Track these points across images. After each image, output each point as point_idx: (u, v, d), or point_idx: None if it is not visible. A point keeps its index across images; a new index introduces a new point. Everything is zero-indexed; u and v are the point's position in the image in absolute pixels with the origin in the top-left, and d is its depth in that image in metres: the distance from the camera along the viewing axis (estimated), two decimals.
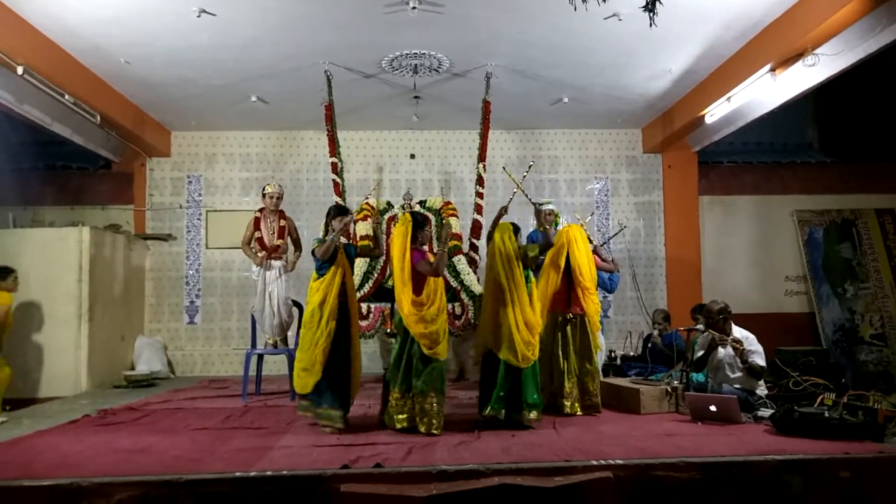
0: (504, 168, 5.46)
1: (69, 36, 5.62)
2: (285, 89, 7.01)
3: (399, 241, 4.58)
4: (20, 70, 5.37)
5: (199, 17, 5.20)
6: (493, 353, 4.68)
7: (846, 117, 8.98)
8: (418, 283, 4.53)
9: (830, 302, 8.54)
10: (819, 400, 4.53)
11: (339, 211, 4.85)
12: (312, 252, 4.67)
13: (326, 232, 4.81)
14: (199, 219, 8.51)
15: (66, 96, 6.07)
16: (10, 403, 5.86)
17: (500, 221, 4.87)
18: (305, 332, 4.57)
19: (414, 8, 5.13)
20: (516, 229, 4.84)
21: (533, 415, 4.62)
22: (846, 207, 8.87)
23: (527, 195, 5.32)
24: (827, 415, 4.16)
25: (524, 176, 5.24)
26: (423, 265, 4.53)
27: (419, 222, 4.66)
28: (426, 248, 4.84)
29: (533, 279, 4.89)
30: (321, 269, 4.63)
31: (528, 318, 4.65)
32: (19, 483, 3.34)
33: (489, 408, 4.61)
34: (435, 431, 4.35)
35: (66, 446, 4.20)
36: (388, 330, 6.33)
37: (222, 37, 5.69)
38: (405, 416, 4.47)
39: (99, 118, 6.73)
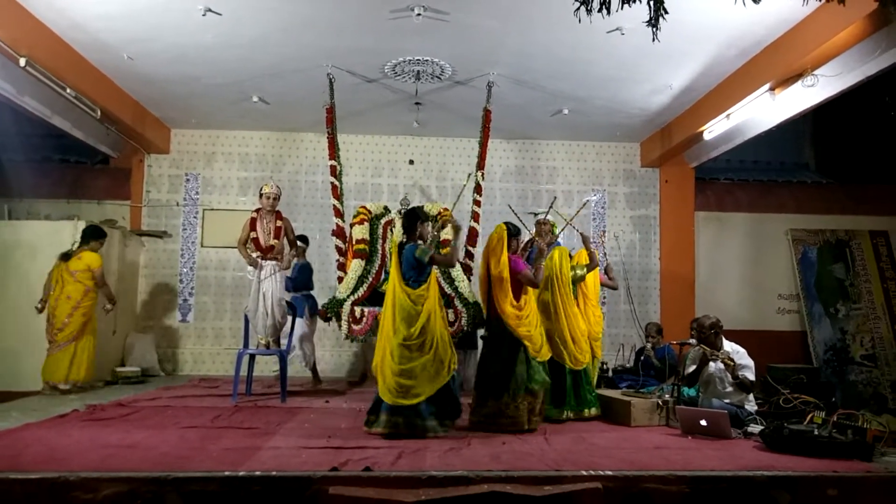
0: (552, 205, 5.69)
1: (73, 29, 5.63)
2: (287, 90, 7.03)
3: (498, 248, 4.72)
4: (22, 62, 5.37)
5: (204, 15, 5.22)
6: (556, 363, 5.09)
7: (843, 138, 9.05)
8: (517, 289, 4.76)
9: (822, 321, 8.58)
10: (809, 418, 4.55)
11: (426, 216, 4.83)
12: (422, 259, 4.50)
13: (409, 237, 4.69)
14: (195, 217, 8.50)
15: (68, 90, 6.07)
16: None
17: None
18: (419, 349, 4.43)
19: (419, 15, 5.16)
20: (515, 231, 4.92)
21: (593, 411, 5.29)
22: (840, 228, 8.94)
23: (577, 230, 6.11)
24: (816, 433, 4.18)
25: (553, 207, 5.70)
26: (525, 274, 4.76)
27: (513, 232, 4.80)
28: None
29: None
30: (423, 276, 4.56)
31: (580, 326, 5.33)
32: (6, 475, 3.31)
33: (564, 411, 5.17)
34: (535, 428, 4.71)
35: (53, 440, 4.18)
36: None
37: (227, 36, 5.71)
38: (510, 418, 4.65)
39: (99, 113, 6.72)
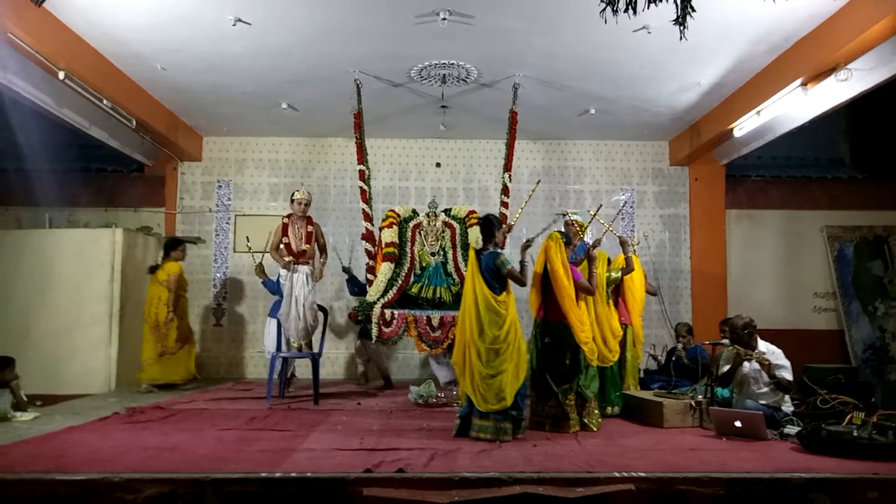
0: (595, 212, 5.86)
1: (109, 42, 5.79)
2: (315, 97, 7.13)
3: (558, 258, 4.86)
4: (61, 75, 5.54)
5: (234, 25, 5.32)
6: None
7: (879, 133, 8.83)
8: (577, 297, 4.94)
9: (860, 320, 8.39)
10: (847, 419, 4.45)
11: (500, 223, 4.90)
12: (501, 269, 4.57)
13: (486, 243, 4.77)
14: (227, 223, 8.66)
15: (104, 101, 6.24)
16: (42, 399, 6.02)
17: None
18: (505, 351, 4.48)
19: (444, 19, 5.20)
20: (496, 225, 4.84)
21: (616, 409, 5.47)
22: (878, 224, 8.73)
23: (616, 234, 6.23)
24: (856, 434, 4.09)
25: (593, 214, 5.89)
26: (582, 283, 4.98)
27: (566, 242, 4.92)
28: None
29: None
30: (504, 283, 4.64)
31: (612, 325, 5.46)
32: (52, 476, 3.43)
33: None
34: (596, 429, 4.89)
35: (96, 442, 4.30)
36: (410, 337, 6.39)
37: (256, 45, 5.82)
38: (569, 419, 4.81)
39: (134, 122, 6.90)
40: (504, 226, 4.87)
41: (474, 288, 4.60)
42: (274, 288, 6.95)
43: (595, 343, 5.13)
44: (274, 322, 6.78)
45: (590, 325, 5.06)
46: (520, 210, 5.45)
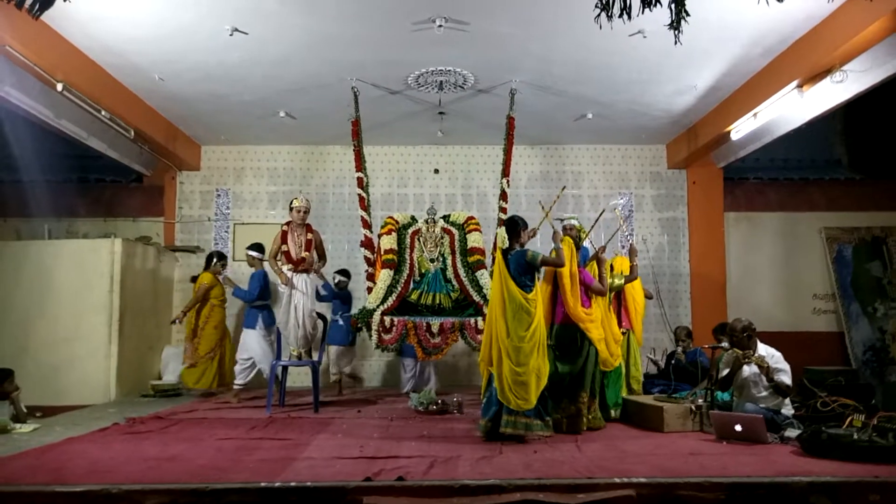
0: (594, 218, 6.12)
1: (107, 54, 5.81)
2: (313, 105, 7.15)
3: (570, 261, 5.07)
4: (60, 87, 5.56)
5: (231, 35, 5.35)
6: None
7: (876, 134, 8.83)
8: (588, 298, 5.23)
9: (860, 321, 8.38)
10: (848, 421, 4.45)
11: (526, 224, 4.99)
12: (534, 262, 4.72)
13: (512, 244, 4.86)
14: (226, 231, 8.67)
15: (103, 112, 6.26)
16: (41, 410, 6.01)
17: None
18: (531, 350, 4.61)
19: (440, 26, 5.22)
20: (524, 224, 4.96)
21: (616, 412, 5.51)
22: (876, 225, 8.73)
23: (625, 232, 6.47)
24: (856, 436, 4.08)
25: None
26: (595, 287, 5.27)
27: (521, 225, 4.94)
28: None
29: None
30: (533, 281, 4.78)
31: (613, 330, 5.53)
32: (51, 488, 3.42)
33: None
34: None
35: (95, 453, 4.30)
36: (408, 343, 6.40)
37: (253, 54, 5.84)
38: (585, 418, 5.04)
39: (133, 133, 6.92)
40: (530, 229, 5.04)
41: (502, 288, 4.70)
42: (244, 296, 6.94)
43: (603, 345, 5.26)
44: (252, 332, 6.79)
45: (599, 323, 5.25)
46: (545, 216, 5.54)
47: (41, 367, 6.79)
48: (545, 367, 4.69)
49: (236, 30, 5.31)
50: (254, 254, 7.11)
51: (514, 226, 4.90)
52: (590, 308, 5.22)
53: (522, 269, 4.72)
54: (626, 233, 6.37)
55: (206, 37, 5.49)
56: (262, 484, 3.46)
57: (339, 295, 7.53)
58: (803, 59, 5.55)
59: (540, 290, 4.93)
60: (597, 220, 5.95)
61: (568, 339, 5.11)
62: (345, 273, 7.70)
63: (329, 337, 7.05)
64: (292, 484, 3.46)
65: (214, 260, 7.45)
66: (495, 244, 6.81)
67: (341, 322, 7.33)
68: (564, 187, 7.14)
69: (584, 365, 5.08)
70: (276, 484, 3.46)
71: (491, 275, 6.57)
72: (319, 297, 7.17)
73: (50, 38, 5.32)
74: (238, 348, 6.97)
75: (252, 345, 6.82)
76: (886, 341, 8.23)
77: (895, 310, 8.35)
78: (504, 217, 6.82)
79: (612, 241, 6.02)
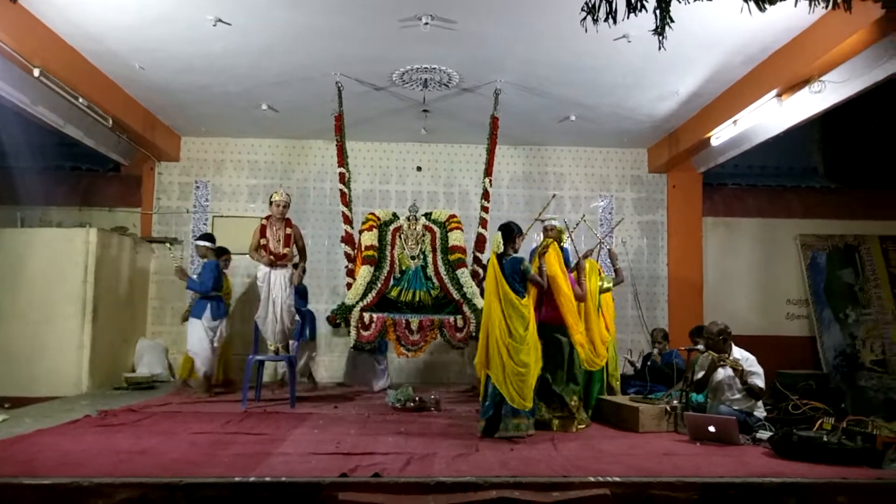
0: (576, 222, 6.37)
1: (87, 40, 5.71)
2: (296, 98, 7.09)
3: (556, 263, 5.22)
4: (37, 72, 5.45)
5: (214, 26, 5.28)
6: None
7: (852, 143, 9.02)
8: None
9: (832, 327, 8.54)
10: (818, 424, 4.53)
11: (521, 230, 5.18)
12: (526, 273, 4.92)
13: (506, 250, 4.98)
14: (205, 224, 8.57)
15: (80, 99, 6.15)
16: (10, 401, 5.90)
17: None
18: (529, 349, 4.80)
19: (427, 24, 5.21)
20: (518, 231, 5.13)
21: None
22: (850, 233, 8.91)
23: (607, 247, 6.57)
24: (826, 439, 4.17)
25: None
26: (576, 290, 5.34)
27: (516, 231, 5.08)
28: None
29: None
30: (524, 286, 4.95)
31: (601, 331, 5.72)
32: (20, 481, 3.36)
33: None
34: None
35: (66, 446, 4.23)
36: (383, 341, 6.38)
37: (236, 45, 5.77)
38: (571, 417, 5.14)
39: (111, 121, 6.80)
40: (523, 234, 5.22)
41: (498, 291, 4.86)
42: (198, 287, 6.71)
43: (584, 349, 5.39)
44: (197, 323, 6.59)
45: (583, 330, 5.41)
46: (534, 220, 5.60)
47: (11, 357, 6.66)
48: (537, 368, 4.85)
49: (220, 20, 5.24)
50: (205, 244, 6.88)
51: (510, 232, 5.03)
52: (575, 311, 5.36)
53: (518, 275, 4.91)
54: (605, 236, 6.47)
55: (188, 26, 5.41)
56: (237, 479, 3.44)
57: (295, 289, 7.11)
58: (783, 68, 5.64)
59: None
60: (577, 225, 6.06)
61: (552, 340, 5.16)
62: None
63: None
64: (267, 479, 3.44)
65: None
66: (476, 243, 6.83)
67: (297, 318, 6.91)
68: (554, 195, 7.21)
69: (568, 367, 5.20)
70: (251, 479, 3.44)
71: (472, 274, 6.62)
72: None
73: (28, 23, 5.21)
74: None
75: (192, 336, 6.59)
76: (857, 347, 8.40)
77: (866, 316, 8.52)
78: (486, 216, 6.86)
79: (597, 249, 6.25)
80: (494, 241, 5.05)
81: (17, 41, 5.13)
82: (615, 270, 6.50)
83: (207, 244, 6.92)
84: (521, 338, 4.78)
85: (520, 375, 4.72)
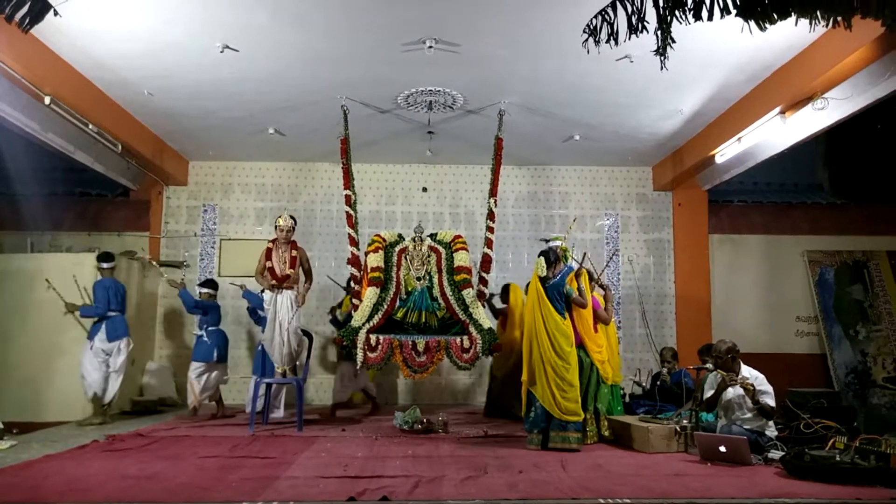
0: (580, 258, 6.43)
1: (96, 68, 5.80)
2: (302, 122, 7.17)
3: (576, 287, 5.60)
4: (47, 100, 5.54)
5: (222, 52, 5.37)
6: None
7: (857, 159, 9.02)
8: (595, 323, 5.72)
9: (842, 344, 8.47)
10: (830, 443, 4.48)
11: (558, 256, 5.54)
12: (569, 295, 5.41)
13: (547, 274, 5.38)
14: (212, 247, 8.63)
15: (90, 126, 6.24)
16: (18, 426, 5.90)
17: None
18: (573, 368, 5.18)
19: (430, 47, 5.27)
20: (555, 258, 5.52)
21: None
22: (857, 249, 8.86)
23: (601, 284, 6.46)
24: (838, 458, 4.12)
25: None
26: (600, 314, 5.80)
27: (552, 259, 5.48)
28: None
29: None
30: (565, 307, 5.37)
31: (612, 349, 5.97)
32: None
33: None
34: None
35: (74, 471, 4.22)
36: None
37: (243, 71, 5.86)
38: (592, 431, 5.46)
39: (120, 147, 6.89)
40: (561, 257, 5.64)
41: (541, 311, 5.28)
42: (92, 312, 6.53)
43: (603, 365, 5.67)
44: (87, 344, 6.38)
45: (606, 346, 5.75)
46: (562, 245, 6.00)
47: (20, 382, 6.68)
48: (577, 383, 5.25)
49: (227, 46, 5.33)
50: (105, 265, 6.68)
51: (554, 257, 5.51)
52: (597, 333, 5.73)
53: (561, 297, 5.35)
54: (600, 274, 6.55)
55: (196, 53, 5.50)
56: (244, 503, 3.42)
57: (203, 307, 7.03)
58: (786, 86, 5.67)
59: None
60: (582, 261, 6.23)
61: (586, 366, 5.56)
62: (210, 284, 7.30)
63: (195, 353, 6.83)
64: (274, 503, 3.42)
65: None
66: (482, 263, 6.83)
67: (206, 338, 6.88)
68: (575, 219, 7.25)
69: (585, 385, 5.50)
70: (259, 503, 3.42)
71: (478, 294, 6.60)
72: (191, 307, 6.99)
73: (39, 52, 5.31)
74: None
75: (83, 358, 6.37)
76: (868, 364, 8.31)
77: (876, 333, 8.45)
78: (491, 236, 6.85)
79: (603, 271, 6.39)
80: (538, 264, 5.42)
81: (29, 70, 5.22)
82: (606, 307, 6.10)
83: (105, 265, 6.69)
84: (567, 353, 5.16)
85: (563, 392, 5.08)
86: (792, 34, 4.88)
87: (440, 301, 6.63)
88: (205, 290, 7.18)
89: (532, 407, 5.22)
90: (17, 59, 5.05)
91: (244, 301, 7.60)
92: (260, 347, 6.69)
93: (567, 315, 5.36)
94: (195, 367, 6.79)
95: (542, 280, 5.37)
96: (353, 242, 6.72)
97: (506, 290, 7.38)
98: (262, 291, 6.61)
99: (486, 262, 6.81)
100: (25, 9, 3.60)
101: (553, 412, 5.08)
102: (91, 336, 6.45)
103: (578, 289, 5.58)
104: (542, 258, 5.44)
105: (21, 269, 7.06)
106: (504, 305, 7.33)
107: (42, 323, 6.90)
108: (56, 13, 3.83)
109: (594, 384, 5.59)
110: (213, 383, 6.92)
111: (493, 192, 6.86)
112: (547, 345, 5.17)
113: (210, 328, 6.96)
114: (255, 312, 7.15)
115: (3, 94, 5.43)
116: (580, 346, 5.52)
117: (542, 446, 5.12)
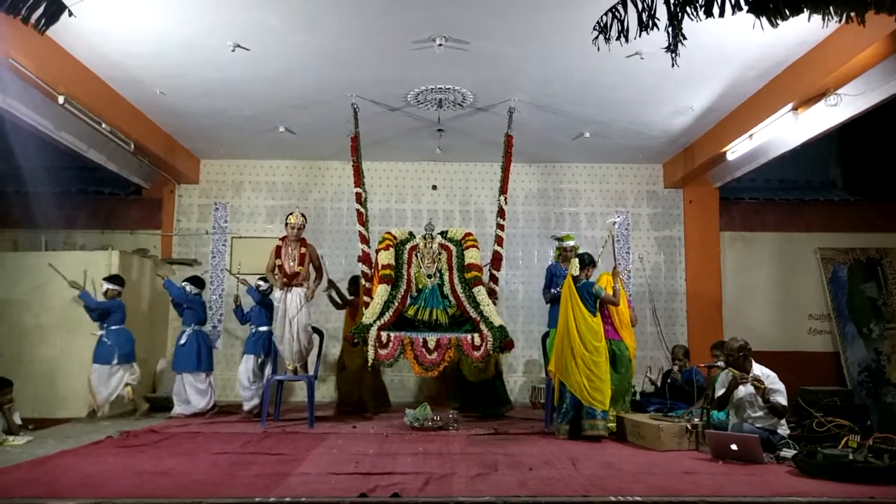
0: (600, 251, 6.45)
1: (109, 68, 5.85)
2: (313, 121, 7.20)
3: (610, 289, 5.90)
4: (61, 99, 5.59)
5: (233, 51, 5.40)
6: None
7: (870, 156, 8.93)
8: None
9: (856, 342, 8.40)
10: (843, 442, 4.45)
11: (592, 260, 5.93)
12: (598, 294, 5.74)
13: (580, 275, 5.72)
14: (224, 245, 8.68)
15: (103, 125, 6.29)
16: (33, 423, 5.97)
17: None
18: (604, 362, 5.56)
19: (440, 45, 5.28)
20: (590, 260, 5.89)
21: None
22: (871, 246, 8.78)
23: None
24: (851, 457, 4.09)
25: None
26: (632, 313, 6.26)
27: (587, 261, 5.86)
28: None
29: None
30: (595, 306, 5.72)
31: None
32: (44, 502, 3.41)
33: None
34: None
35: (88, 467, 4.27)
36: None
37: (254, 70, 5.89)
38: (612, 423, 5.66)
39: (133, 146, 6.94)
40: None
41: (573, 309, 5.63)
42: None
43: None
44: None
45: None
46: (601, 250, 6.30)
47: (35, 378, 6.75)
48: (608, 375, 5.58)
49: (238, 45, 5.36)
50: (110, 286, 6.73)
51: (591, 260, 5.90)
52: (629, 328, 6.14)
53: (591, 297, 5.71)
54: (620, 250, 6.61)
55: (207, 52, 5.54)
56: (257, 499, 3.45)
57: (105, 308, 6.69)
58: (798, 82, 5.62)
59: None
60: (599, 255, 6.24)
61: (612, 354, 5.83)
62: (116, 280, 6.85)
63: (95, 355, 6.51)
64: (287, 499, 3.45)
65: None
66: (492, 260, 6.83)
67: (106, 338, 6.55)
68: (615, 221, 6.77)
69: (622, 378, 5.87)
70: (271, 499, 3.45)
71: (488, 292, 6.60)
72: (91, 310, 6.60)
73: (53, 52, 5.36)
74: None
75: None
76: (882, 362, 8.25)
77: (890, 331, 8.37)
78: (501, 234, 6.86)
79: (616, 260, 6.34)
80: (573, 264, 5.79)
81: (43, 70, 5.27)
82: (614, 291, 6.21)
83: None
84: (596, 348, 5.52)
85: (592, 383, 5.44)
86: (804, 30, 4.84)
87: (451, 298, 6.64)
88: (111, 287, 6.73)
89: (563, 399, 5.58)
90: (32, 59, 5.11)
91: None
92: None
93: (598, 313, 5.70)
94: (94, 370, 6.45)
95: (575, 279, 5.71)
96: (364, 240, 6.74)
97: (354, 281, 7.38)
98: (270, 288, 6.79)
99: (496, 260, 6.82)
100: (41, 10, 3.63)
101: (583, 399, 5.44)
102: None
103: (614, 288, 5.87)
104: (576, 259, 5.83)
105: (36, 267, 7.14)
106: (353, 297, 7.30)
107: (57, 320, 6.97)
108: (71, 14, 3.86)
109: (628, 379, 5.94)
110: (117, 386, 6.53)
111: (503, 190, 6.86)
112: (577, 340, 5.54)
113: (112, 327, 6.59)
114: (180, 305, 7.17)
115: (18, 93, 5.49)
116: (620, 340, 5.93)
117: (570, 436, 5.46)
